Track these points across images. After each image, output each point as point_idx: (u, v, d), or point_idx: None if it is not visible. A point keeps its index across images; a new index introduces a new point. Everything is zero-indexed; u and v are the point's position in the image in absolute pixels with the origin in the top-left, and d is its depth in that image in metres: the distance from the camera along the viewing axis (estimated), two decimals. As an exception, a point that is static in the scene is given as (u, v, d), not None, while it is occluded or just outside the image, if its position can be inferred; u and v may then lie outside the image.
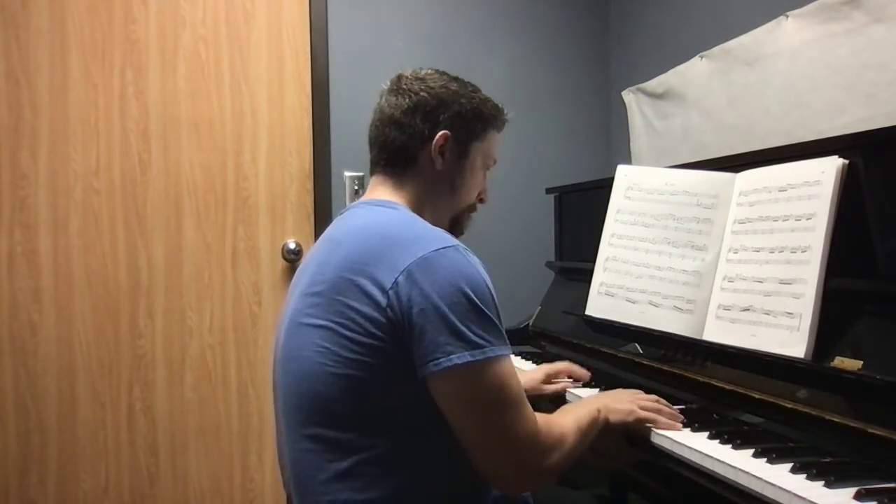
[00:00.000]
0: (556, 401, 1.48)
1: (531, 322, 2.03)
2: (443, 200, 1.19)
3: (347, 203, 2.39)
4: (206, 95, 2.25)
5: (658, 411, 1.19)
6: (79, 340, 2.14)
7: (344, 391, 0.99)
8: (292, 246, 2.31)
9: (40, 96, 2.11)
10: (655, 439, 1.15)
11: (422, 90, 1.16)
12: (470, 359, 0.95)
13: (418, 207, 1.16)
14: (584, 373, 1.55)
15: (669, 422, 1.17)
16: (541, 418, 1.02)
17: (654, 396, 1.24)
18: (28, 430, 2.10)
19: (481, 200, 1.27)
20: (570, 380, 1.54)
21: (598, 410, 1.15)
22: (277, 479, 2.29)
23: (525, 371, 1.58)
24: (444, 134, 1.15)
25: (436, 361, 0.95)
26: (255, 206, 2.30)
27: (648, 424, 1.17)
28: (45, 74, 2.11)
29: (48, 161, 2.12)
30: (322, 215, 2.36)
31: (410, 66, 1.23)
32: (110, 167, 2.17)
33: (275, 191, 2.32)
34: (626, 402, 1.20)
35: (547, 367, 1.57)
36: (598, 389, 1.47)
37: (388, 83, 1.20)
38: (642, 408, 1.19)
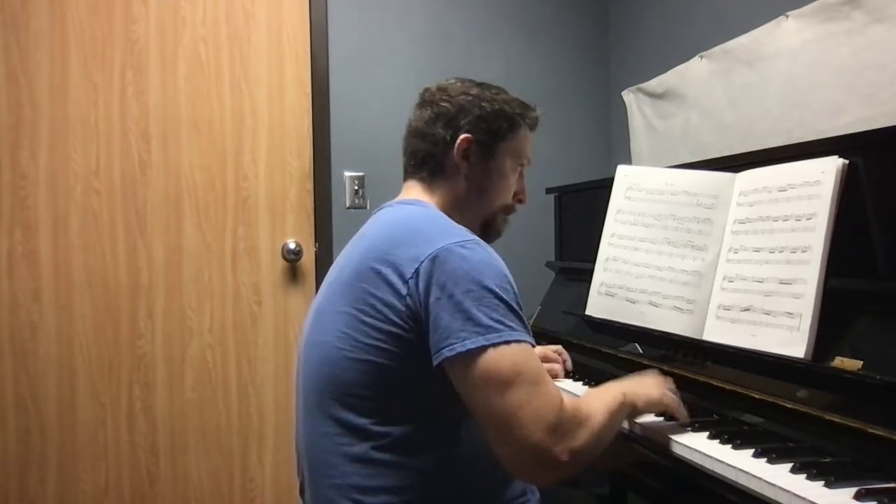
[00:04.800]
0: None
1: (531, 322, 2.03)
2: (470, 204, 1.19)
3: (347, 203, 2.39)
4: (206, 95, 2.25)
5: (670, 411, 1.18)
6: (79, 340, 2.14)
7: (362, 375, 1.01)
8: (292, 246, 2.31)
9: (40, 96, 2.11)
10: (656, 439, 1.15)
11: (442, 100, 1.18)
12: (484, 342, 0.94)
13: (448, 210, 1.17)
14: (566, 366, 1.60)
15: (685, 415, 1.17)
16: (567, 399, 1.00)
17: (671, 385, 1.21)
18: (28, 430, 2.10)
19: (520, 201, 1.26)
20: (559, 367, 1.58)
21: (624, 395, 1.10)
22: (277, 479, 2.31)
23: None
24: (465, 137, 1.16)
25: (450, 346, 0.95)
26: (255, 206, 2.30)
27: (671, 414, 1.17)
28: (45, 74, 2.11)
29: (48, 161, 2.12)
30: (322, 215, 2.36)
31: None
32: (110, 167, 2.17)
33: (275, 191, 2.32)
34: (653, 387, 1.17)
35: (541, 350, 1.59)
36: (580, 383, 1.52)
37: (419, 97, 1.24)
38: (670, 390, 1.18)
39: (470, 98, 1.18)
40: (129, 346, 2.19)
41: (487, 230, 1.23)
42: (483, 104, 1.18)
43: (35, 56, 2.11)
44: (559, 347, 1.66)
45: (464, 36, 2.55)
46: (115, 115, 2.18)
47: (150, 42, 2.20)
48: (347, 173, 2.40)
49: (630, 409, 1.11)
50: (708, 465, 1.02)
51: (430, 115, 1.18)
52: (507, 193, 1.23)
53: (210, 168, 2.26)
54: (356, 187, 2.40)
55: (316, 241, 2.35)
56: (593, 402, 1.05)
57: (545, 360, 1.58)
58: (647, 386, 1.17)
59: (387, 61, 2.42)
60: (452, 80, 1.23)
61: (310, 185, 2.36)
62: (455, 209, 1.18)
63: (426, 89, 1.23)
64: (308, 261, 2.34)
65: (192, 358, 2.24)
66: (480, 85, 1.21)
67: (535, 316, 2.04)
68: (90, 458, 2.15)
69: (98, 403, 2.16)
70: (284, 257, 2.31)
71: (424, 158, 1.19)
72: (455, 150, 1.16)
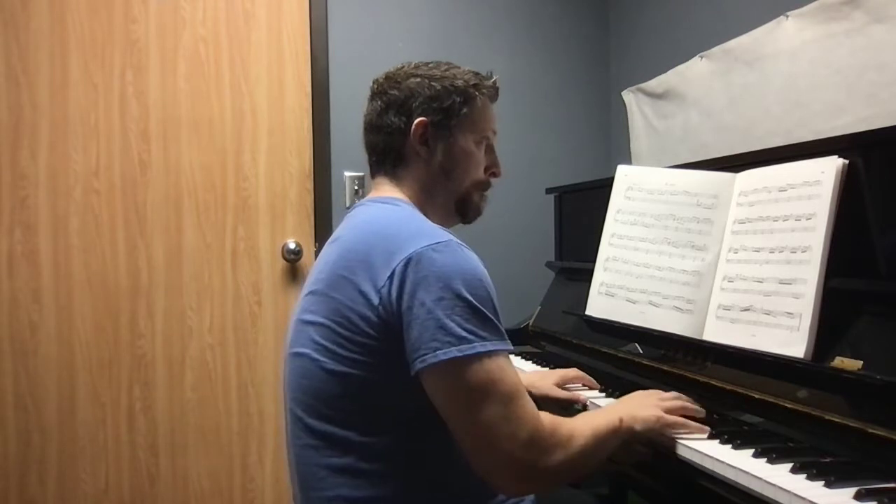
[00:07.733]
0: (567, 408, 1.41)
1: (531, 322, 2.03)
2: (439, 188, 1.16)
3: (347, 203, 2.39)
4: (206, 95, 2.25)
5: (684, 414, 1.13)
6: (79, 340, 2.14)
7: (342, 388, 1.00)
8: (292, 246, 2.31)
9: (40, 96, 2.11)
10: (656, 439, 1.15)
11: (390, 88, 1.16)
12: (457, 354, 0.93)
13: (419, 200, 1.15)
14: (593, 382, 1.47)
15: (698, 425, 1.10)
16: (547, 418, 0.99)
17: (674, 394, 1.19)
18: (28, 430, 2.10)
19: (493, 174, 1.21)
20: (585, 387, 1.46)
21: (621, 420, 1.07)
22: (277, 479, 2.31)
23: (528, 373, 1.57)
24: (420, 121, 1.13)
25: (422, 358, 0.94)
26: (255, 206, 2.30)
27: (675, 433, 1.10)
28: (45, 74, 2.11)
29: (48, 161, 2.12)
30: (322, 215, 2.36)
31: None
32: (110, 167, 2.17)
33: (275, 191, 2.32)
34: (651, 409, 1.12)
35: (561, 373, 1.49)
36: (614, 399, 1.40)
37: (369, 90, 1.20)
38: (668, 410, 1.12)
39: (418, 80, 1.14)
40: (129, 346, 2.19)
41: (465, 210, 1.20)
42: (432, 83, 1.14)
43: (35, 56, 2.11)
44: (578, 372, 1.50)
45: (464, 36, 2.55)
46: (115, 115, 2.18)
47: (150, 42, 2.20)
48: (347, 173, 2.40)
49: (627, 434, 1.07)
50: (708, 465, 1.02)
51: (380, 105, 1.15)
52: (475, 170, 1.18)
53: (210, 168, 2.26)
54: (356, 187, 2.40)
55: (316, 241, 2.35)
56: (580, 423, 1.03)
57: (570, 382, 1.48)
58: (647, 408, 1.12)
59: (387, 61, 2.38)
60: (400, 66, 1.19)
61: (310, 185, 2.36)
62: (425, 196, 1.15)
63: (374, 80, 1.20)
64: (308, 261, 2.34)
65: (192, 358, 2.24)
66: (428, 64, 1.18)
67: (535, 316, 2.04)
68: (90, 458, 2.15)
69: (98, 403, 2.16)
70: (284, 257, 2.31)
71: (385, 151, 1.16)
72: (412, 135, 1.13)
